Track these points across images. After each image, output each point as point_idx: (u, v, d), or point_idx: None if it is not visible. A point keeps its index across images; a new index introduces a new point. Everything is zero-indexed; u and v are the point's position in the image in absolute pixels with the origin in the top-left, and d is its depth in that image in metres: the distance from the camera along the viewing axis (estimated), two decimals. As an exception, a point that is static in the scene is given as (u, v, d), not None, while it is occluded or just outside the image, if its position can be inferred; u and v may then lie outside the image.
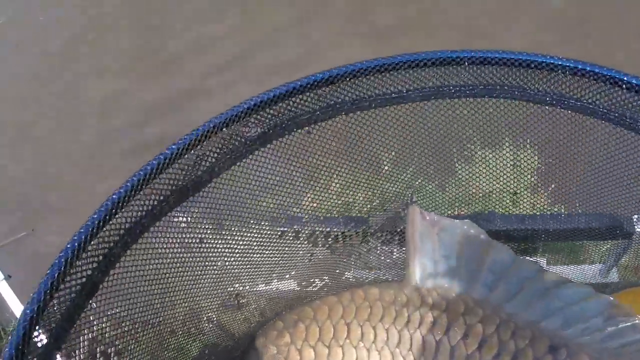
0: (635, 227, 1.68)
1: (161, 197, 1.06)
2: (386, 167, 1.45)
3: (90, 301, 0.97)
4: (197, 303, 1.31)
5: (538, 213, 2.14)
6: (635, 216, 1.66)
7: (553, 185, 1.76)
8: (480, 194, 1.80)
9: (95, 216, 0.95)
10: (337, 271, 1.56)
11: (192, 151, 1.06)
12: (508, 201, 1.86)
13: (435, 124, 1.39)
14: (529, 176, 1.90)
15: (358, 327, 1.31)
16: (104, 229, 0.96)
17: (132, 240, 1.03)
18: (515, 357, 1.20)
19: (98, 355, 1.02)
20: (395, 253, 1.55)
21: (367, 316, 1.32)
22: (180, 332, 1.26)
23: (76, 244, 0.94)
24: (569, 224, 1.70)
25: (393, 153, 1.41)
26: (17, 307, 4.24)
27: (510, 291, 1.27)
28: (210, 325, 1.36)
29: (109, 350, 1.04)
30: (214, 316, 1.36)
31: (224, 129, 1.14)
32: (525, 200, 2.18)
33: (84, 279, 0.97)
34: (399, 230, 1.54)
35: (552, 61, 1.21)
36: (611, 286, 1.92)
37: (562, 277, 1.26)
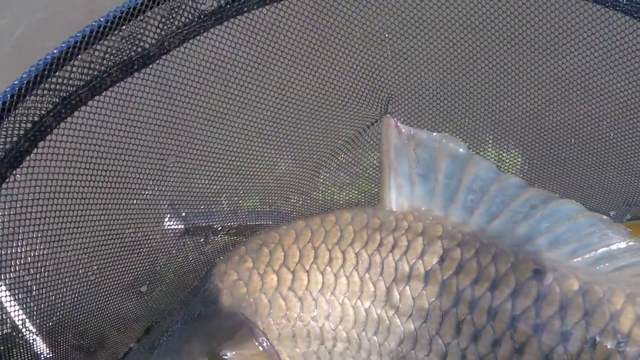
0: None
1: (102, 67, 0.97)
2: (358, 65, 1.31)
3: (14, 172, 0.90)
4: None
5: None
6: (612, 212, 1.64)
7: (536, 185, 1.69)
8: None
9: (25, 75, 0.87)
10: (304, 190, 1.44)
11: (137, 18, 0.96)
12: None
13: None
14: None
15: (326, 252, 1.21)
16: (35, 91, 0.88)
17: (66, 112, 0.95)
18: (495, 283, 1.09)
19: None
20: (368, 170, 1.43)
21: (336, 240, 1.21)
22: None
23: (1, 102, 0.86)
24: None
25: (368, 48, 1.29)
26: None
27: (492, 212, 1.15)
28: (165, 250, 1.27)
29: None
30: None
31: None
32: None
33: (7, 145, 0.88)
34: (373, 143, 1.42)
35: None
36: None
37: (549, 193, 1.13)
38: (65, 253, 1.07)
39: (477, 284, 1.10)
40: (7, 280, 1.02)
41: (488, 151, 1.63)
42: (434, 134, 1.20)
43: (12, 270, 1.01)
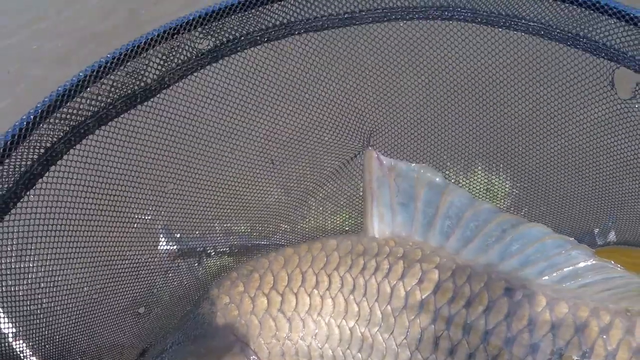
0: (597, 239, 1.80)
1: (108, 99, 1.08)
2: (342, 101, 1.44)
3: (28, 193, 0.99)
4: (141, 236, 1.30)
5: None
6: (597, 229, 1.76)
7: (525, 209, 1.83)
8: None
9: (39, 105, 0.98)
10: (292, 218, 1.55)
11: (141, 55, 1.09)
12: None
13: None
14: (501, 200, 1.92)
15: (313, 275, 1.30)
16: (48, 119, 0.99)
17: (75, 139, 1.06)
18: (470, 301, 1.18)
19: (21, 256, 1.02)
20: (353, 200, 1.53)
21: (322, 265, 1.31)
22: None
23: (18, 129, 0.97)
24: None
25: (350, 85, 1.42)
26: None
27: (467, 236, 1.25)
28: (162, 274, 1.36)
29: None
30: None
31: (173, 37, 1.16)
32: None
33: (23, 168, 0.98)
34: (357, 174, 1.53)
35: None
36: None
37: (519, 218, 1.24)
38: (69, 273, 1.15)
39: (452, 302, 1.19)
40: (7, 301, 1.09)
41: (478, 174, 1.72)
42: (413, 164, 1.32)
43: (14, 290, 1.09)
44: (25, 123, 1.02)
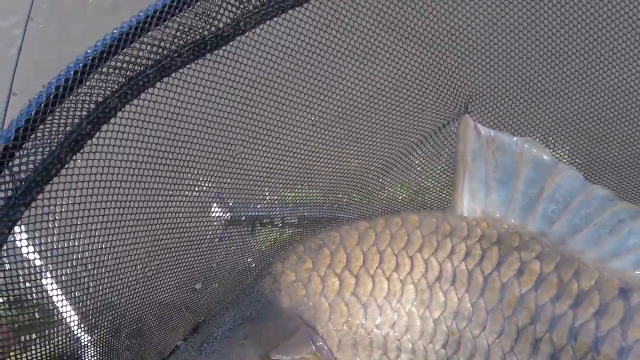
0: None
1: (173, 46, 0.93)
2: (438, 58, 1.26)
3: (74, 158, 0.85)
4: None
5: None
6: None
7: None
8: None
9: (89, 51, 0.81)
10: (369, 189, 1.39)
11: None
12: None
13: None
14: None
15: (392, 256, 1.17)
16: (101, 68, 0.83)
17: (133, 93, 0.90)
18: (578, 300, 1.05)
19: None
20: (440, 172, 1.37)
21: (403, 245, 1.17)
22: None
23: (63, 79, 0.81)
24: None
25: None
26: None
27: (575, 224, 1.11)
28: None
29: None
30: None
31: None
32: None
33: (68, 127, 0.84)
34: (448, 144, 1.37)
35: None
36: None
37: (638, 208, 1.09)
38: (123, 248, 1.01)
39: (558, 300, 1.07)
40: (63, 277, 0.97)
41: None
42: (516, 137, 1.15)
43: (68, 265, 0.96)
44: (72, 72, 0.85)
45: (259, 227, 1.33)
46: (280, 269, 1.22)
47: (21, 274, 0.85)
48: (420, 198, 1.42)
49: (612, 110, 1.39)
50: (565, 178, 1.13)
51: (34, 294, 0.90)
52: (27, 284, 0.89)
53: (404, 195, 1.42)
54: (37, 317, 0.95)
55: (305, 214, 1.35)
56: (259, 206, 1.30)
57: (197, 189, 1.11)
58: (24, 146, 0.81)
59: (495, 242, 1.13)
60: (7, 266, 0.81)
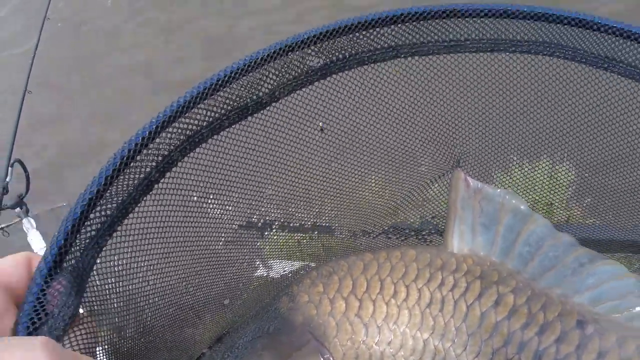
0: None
1: (222, 111, 1.16)
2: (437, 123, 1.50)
3: (145, 198, 1.07)
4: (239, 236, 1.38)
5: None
6: None
7: (588, 199, 1.89)
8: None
9: (160, 115, 1.04)
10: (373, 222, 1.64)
11: (256, 70, 1.14)
12: (542, 212, 2.00)
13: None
14: (564, 189, 1.98)
15: (391, 285, 1.39)
16: (168, 128, 1.05)
17: (190, 147, 1.13)
18: (543, 328, 1.28)
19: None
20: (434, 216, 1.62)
21: (401, 275, 1.40)
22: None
23: (140, 137, 1.04)
24: (603, 234, 1.80)
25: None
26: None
27: (545, 265, 1.35)
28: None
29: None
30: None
31: (287, 54, 1.22)
32: (559, 212, 2.27)
33: (142, 175, 1.07)
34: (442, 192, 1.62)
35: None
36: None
37: (596, 254, 1.32)
38: (171, 268, 1.23)
39: (526, 328, 1.30)
40: (118, 290, 1.17)
41: (543, 161, 1.78)
42: (499, 190, 1.39)
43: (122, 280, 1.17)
44: (147, 132, 1.07)
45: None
46: (295, 290, 1.44)
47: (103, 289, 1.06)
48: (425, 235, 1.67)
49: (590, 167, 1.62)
50: (538, 226, 1.36)
51: (112, 303, 1.11)
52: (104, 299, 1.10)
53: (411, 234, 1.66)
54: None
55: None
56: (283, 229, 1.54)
57: (236, 223, 1.34)
58: (108, 190, 1.02)
59: (478, 276, 1.36)
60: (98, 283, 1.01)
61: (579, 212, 2.29)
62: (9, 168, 4.71)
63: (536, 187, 1.82)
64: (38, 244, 4.87)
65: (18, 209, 4.90)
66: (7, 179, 4.67)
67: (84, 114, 7.07)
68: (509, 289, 1.34)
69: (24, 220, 4.91)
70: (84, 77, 7.43)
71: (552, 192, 1.94)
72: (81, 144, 6.77)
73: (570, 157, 1.75)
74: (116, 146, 1.01)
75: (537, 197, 1.88)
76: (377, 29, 1.24)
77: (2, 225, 4.73)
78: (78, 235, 0.92)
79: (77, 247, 0.91)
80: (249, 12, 7.29)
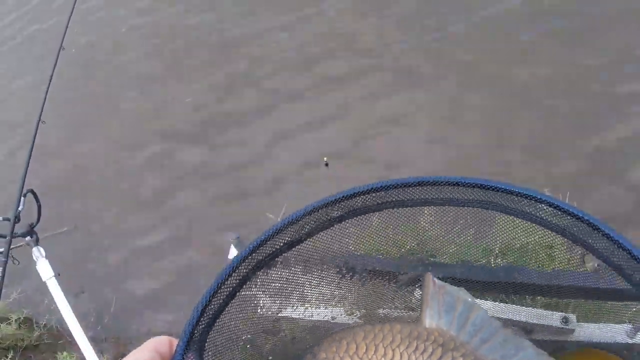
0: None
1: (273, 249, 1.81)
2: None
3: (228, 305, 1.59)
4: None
5: (570, 269, 2.36)
6: None
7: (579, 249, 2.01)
8: (518, 245, 2.31)
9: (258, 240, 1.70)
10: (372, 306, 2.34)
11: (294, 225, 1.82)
12: (543, 255, 2.35)
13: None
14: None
15: (382, 348, 2.05)
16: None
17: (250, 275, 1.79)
18: (479, 386, 1.95)
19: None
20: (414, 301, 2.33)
21: (389, 342, 2.06)
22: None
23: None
24: (599, 283, 2.20)
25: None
26: (62, 304, 4.86)
27: (484, 339, 2.03)
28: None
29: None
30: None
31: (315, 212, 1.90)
32: (560, 255, 2.36)
33: (229, 288, 1.62)
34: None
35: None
36: (636, 348, 2.26)
37: (517, 337, 2.02)
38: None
39: (468, 384, 1.96)
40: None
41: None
42: (455, 287, 2.09)
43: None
44: (251, 247, 1.75)
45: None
46: (316, 350, 2.11)
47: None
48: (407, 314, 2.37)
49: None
50: (479, 312, 2.06)
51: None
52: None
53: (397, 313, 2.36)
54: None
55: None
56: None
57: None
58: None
59: (440, 344, 2.01)
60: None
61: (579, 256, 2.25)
62: (22, 198, 5.20)
63: (538, 230, 2.04)
64: (46, 274, 5.32)
65: (28, 237, 5.39)
66: (20, 208, 5.16)
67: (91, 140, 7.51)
68: (459, 353, 2.00)
69: (34, 249, 5.38)
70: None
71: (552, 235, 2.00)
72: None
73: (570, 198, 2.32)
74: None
75: (538, 240, 2.14)
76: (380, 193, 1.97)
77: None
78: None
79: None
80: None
